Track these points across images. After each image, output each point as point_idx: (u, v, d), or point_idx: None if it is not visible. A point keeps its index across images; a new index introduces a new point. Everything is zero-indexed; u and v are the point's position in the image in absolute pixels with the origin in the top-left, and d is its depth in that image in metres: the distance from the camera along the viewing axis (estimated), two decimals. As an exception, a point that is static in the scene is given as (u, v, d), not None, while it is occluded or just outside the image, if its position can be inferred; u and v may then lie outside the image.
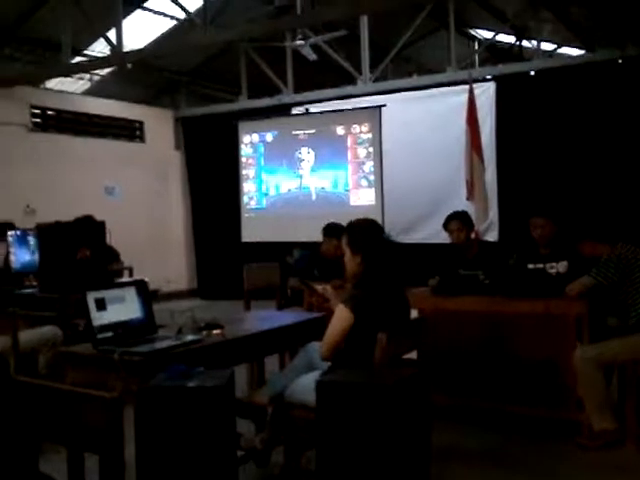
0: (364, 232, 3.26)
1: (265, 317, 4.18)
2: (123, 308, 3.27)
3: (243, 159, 10.98)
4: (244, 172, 10.97)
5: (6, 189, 9.18)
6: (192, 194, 12.03)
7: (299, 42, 9.04)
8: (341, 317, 3.09)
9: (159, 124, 11.76)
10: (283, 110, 10.79)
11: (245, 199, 10.99)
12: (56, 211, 8.81)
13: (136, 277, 6.77)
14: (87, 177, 10.29)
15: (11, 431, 1.83)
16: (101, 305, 3.16)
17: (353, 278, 3.30)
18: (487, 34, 11.51)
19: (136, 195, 11.02)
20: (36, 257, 5.68)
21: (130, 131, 11.44)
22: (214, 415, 2.66)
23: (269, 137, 10.78)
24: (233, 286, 9.89)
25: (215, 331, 3.40)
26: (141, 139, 11.54)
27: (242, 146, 10.97)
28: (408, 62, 11.93)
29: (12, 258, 6.07)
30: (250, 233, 10.92)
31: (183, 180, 12.11)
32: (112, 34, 8.40)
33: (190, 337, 3.27)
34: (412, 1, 8.31)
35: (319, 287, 3.62)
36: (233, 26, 8.69)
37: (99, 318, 3.14)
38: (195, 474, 2.66)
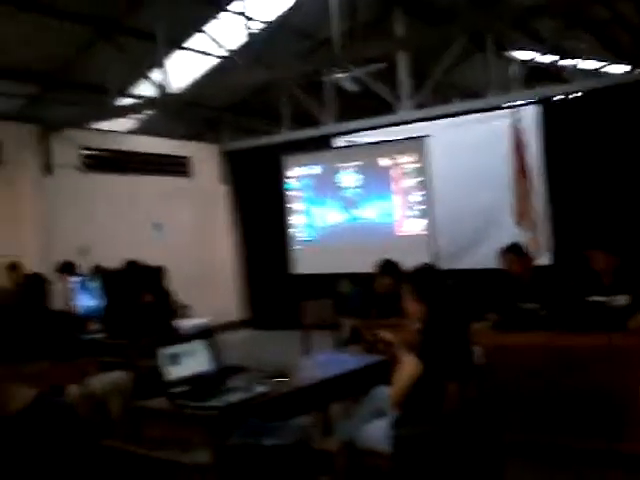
0: (429, 281, 3.29)
1: (328, 362, 4.22)
2: (195, 361, 3.36)
3: (290, 192, 11.11)
4: (291, 205, 11.09)
5: (59, 229, 9.45)
6: (241, 226, 12.18)
7: (339, 75, 9.17)
8: (410, 366, 3.11)
9: (205, 159, 11.99)
10: (325, 140, 10.89)
11: (294, 231, 11.11)
12: (108, 249, 9.08)
13: (193, 317, 6.90)
14: (136, 214, 10.52)
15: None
16: (175, 359, 3.26)
17: (418, 323, 3.33)
18: (524, 55, 11.47)
19: (184, 229, 11.22)
20: (99, 302, 5.87)
21: (177, 167, 11.68)
22: (293, 470, 2.71)
23: (314, 170, 10.89)
24: (285, 317, 10.01)
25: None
26: (188, 174, 11.78)
27: (288, 180, 11.11)
28: (449, 87, 11.96)
29: (74, 302, 6.27)
30: (300, 265, 11.01)
31: (231, 213, 12.29)
32: (156, 75, 8.66)
33: (259, 388, 3.34)
34: (446, 36, 8.34)
35: (385, 334, 3.64)
36: (274, 64, 8.84)
37: (173, 372, 3.23)
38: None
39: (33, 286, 4.80)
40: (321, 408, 4.04)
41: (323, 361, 4.26)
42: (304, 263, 10.93)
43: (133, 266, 5.90)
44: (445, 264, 7.90)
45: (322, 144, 10.92)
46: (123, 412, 4.52)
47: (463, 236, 9.38)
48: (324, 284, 9.08)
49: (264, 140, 11.54)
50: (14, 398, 1.83)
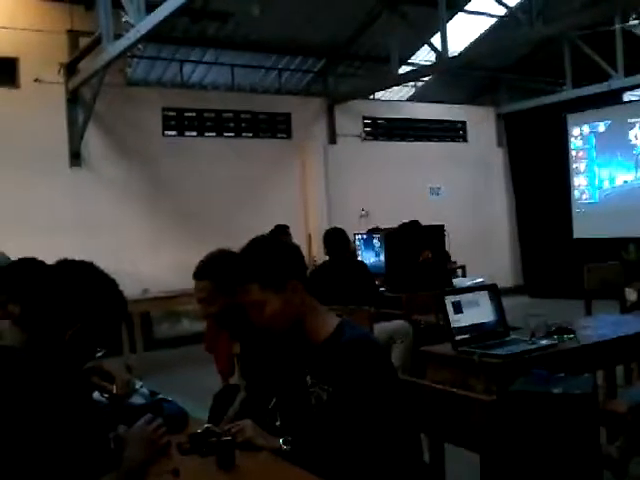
0: None
1: (616, 322, 4.01)
2: (478, 311, 3.41)
3: (573, 152, 10.57)
4: (574, 165, 10.55)
5: (344, 195, 10.08)
6: (516, 190, 11.91)
7: (632, 22, 8.42)
8: None
9: (481, 122, 11.88)
10: (613, 97, 10.12)
11: (576, 194, 10.56)
12: (387, 213, 9.46)
13: (469, 276, 6.96)
14: (413, 179, 10.80)
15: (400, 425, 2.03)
16: (458, 308, 3.35)
17: None
18: None
19: (460, 194, 11.26)
20: (381, 259, 6.20)
21: (453, 132, 11.76)
22: (578, 422, 2.65)
23: (601, 127, 10.21)
24: (564, 284, 9.60)
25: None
26: (464, 139, 11.78)
27: (571, 139, 10.55)
28: None
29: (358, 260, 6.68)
30: (582, 228, 10.46)
31: (506, 177, 12.06)
32: (435, 40, 8.73)
33: (545, 342, 3.29)
34: None
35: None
36: (558, 18, 8.40)
37: (457, 320, 3.32)
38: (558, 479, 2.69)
39: (336, 238, 5.21)
40: (606, 368, 3.86)
41: (610, 321, 4.05)
42: (585, 227, 10.36)
43: (414, 225, 6.10)
44: None
45: (610, 99, 10.15)
46: (407, 356, 4.76)
47: None
48: (607, 249, 8.50)
49: (545, 99, 11.05)
50: (323, 328, 2.05)
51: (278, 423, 2.15)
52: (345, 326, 2.03)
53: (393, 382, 2.02)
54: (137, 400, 2.26)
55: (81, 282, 1.78)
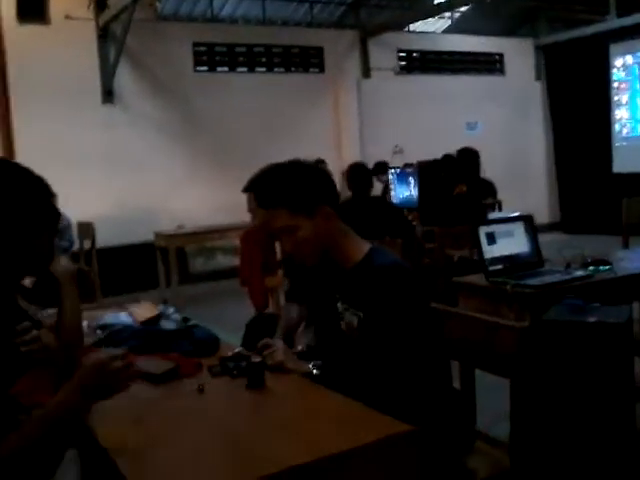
0: None
1: (654, 255, 3.93)
2: (512, 242, 3.37)
3: (615, 84, 10.20)
4: (615, 98, 10.20)
5: (378, 130, 9.93)
6: (554, 124, 11.60)
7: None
8: None
9: (519, 55, 11.51)
10: (660, 25, 9.69)
11: (617, 127, 10.24)
12: (422, 149, 9.30)
13: (504, 211, 6.85)
14: (449, 114, 10.56)
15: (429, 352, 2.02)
16: (492, 239, 3.30)
17: None
18: None
19: (497, 129, 11.00)
20: (414, 193, 6.13)
21: (490, 65, 11.43)
22: (612, 352, 2.62)
23: (645, 58, 9.81)
24: (601, 220, 9.42)
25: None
26: (501, 72, 11.45)
27: (613, 70, 10.17)
28: None
29: (392, 194, 6.63)
30: (622, 163, 10.18)
31: (544, 111, 11.74)
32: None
33: (580, 272, 3.25)
34: None
35: None
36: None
37: (490, 251, 3.28)
38: (591, 409, 2.67)
39: (360, 174, 5.12)
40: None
41: (649, 254, 3.97)
42: (625, 161, 10.08)
43: (448, 159, 6.00)
44: None
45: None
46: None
47: None
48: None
49: (587, 30, 10.62)
50: (354, 253, 2.03)
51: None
52: (377, 252, 2.01)
53: (424, 308, 2.01)
54: (168, 325, 2.29)
55: None
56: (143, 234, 7.71)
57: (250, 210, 2.87)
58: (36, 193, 1.55)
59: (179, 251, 7.92)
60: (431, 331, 1.98)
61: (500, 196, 8.04)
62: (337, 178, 8.70)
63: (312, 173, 2.03)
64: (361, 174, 5.08)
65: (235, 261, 6.65)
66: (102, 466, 1.56)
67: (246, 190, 2.88)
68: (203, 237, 7.90)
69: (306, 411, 1.73)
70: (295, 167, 2.03)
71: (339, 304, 2.05)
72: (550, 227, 11.36)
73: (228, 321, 4.76)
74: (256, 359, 1.91)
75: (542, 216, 11.42)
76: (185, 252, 8.54)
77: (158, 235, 7.53)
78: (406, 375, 1.87)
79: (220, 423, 1.68)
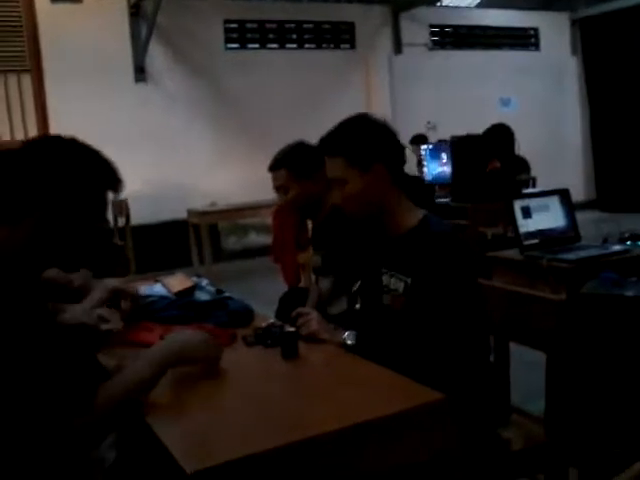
0: None
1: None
2: (547, 216, 3.32)
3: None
4: (654, 72, 9.94)
5: (409, 107, 9.82)
6: (590, 100, 11.36)
7: None
8: None
9: (554, 29, 11.26)
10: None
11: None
12: (454, 125, 9.16)
13: (539, 188, 6.75)
14: (483, 90, 10.38)
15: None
16: (527, 213, 3.26)
17: None
18: None
19: (531, 105, 10.79)
20: (447, 169, 6.06)
21: (524, 39, 11.20)
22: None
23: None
24: (638, 197, 9.23)
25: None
26: (536, 47, 11.23)
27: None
28: None
29: (424, 170, 6.57)
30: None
31: (580, 86, 11.49)
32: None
33: (617, 247, 3.19)
34: None
35: None
36: None
37: (525, 225, 3.24)
38: (628, 383, 2.64)
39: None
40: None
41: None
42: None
43: (480, 136, 5.90)
44: None
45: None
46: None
47: None
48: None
49: (626, 2, 10.32)
50: (406, 220, 1.97)
51: (358, 306, 2.15)
52: (432, 219, 1.98)
53: (474, 280, 1.98)
54: (202, 296, 2.30)
55: (42, 157, 1.44)
56: (176, 212, 7.76)
57: (275, 188, 2.82)
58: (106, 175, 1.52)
59: (212, 229, 7.97)
60: (477, 303, 1.94)
61: (534, 173, 7.92)
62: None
63: (377, 129, 1.97)
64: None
65: (267, 239, 6.68)
66: (137, 430, 1.59)
67: (272, 168, 2.81)
68: (235, 214, 7.92)
69: (339, 379, 1.73)
70: (362, 120, 2.00)
71: (384, 276, 2.01)
72: (586, 205, 11.15)
73: (261, 296, 4.77)
74: (290, 329, 1.91)
75: (578, 193, 11.18)
76: (218, 230, 8.59)
77: (191, 212, 7.58)
78: (448, 343, 1.84)
79: (253, 391, 1.69)
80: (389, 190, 1.95)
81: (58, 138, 1.50)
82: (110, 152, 1.57)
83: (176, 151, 8.31)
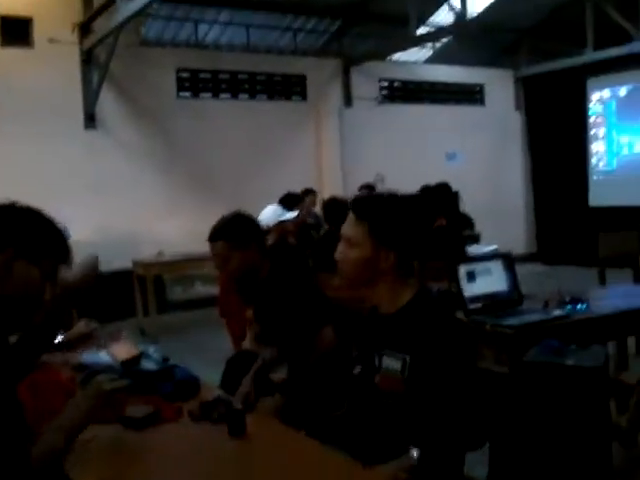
0: None
1: (629, 293, 3.99)
2: (491, 280, 3.40)
3: (591, 118, 10.38)
4: (592, 131, 10.38)
5: (359, 158, 9.98)
6: (532, 156, 11.78)
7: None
8: None
9: (499, 86, 11.69)
10: (636, 60, 9.88)
11: (593, 161, 10.41)
12: (403, 177, 9.37)
13: (482, 243, 6.90)
14: (430, 143, 10.64)
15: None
16: (471, 277, 3.33)
17: None
18: None
19: (476, 159, 11.11)
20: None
21: (470, 95, 11.58)
22: (589, 394, 2.65)
23: (622, 92, 10.00)
24: (578, 252, 9.53)
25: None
26: (481, 102, 11.61)
27: (590, 104, 10.37)
28: None
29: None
30: (598, 196, 10.33)
31: (523, 142, 11.91)
32: (455, 0, 8.56)
33: (558, 312, 3.28)
34: None
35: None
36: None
37: (469, 289, 3.31)
38: (568, 450, 2.70)
39: (334, 208, 5.17)
40: (618, 339, 3.85)
41: (623, 292, 4.03)
42: (602, 195, 10.23)
43: (427, 190, 6.02)
44: None
45: (633, 62, 9.91)
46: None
47: None
48: (623, 218, 8.41)
49: (565, 62, 10.80)
50: (400, 296, 1.97)
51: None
52: (425, 293, 2.03)
53: (472, 357, 1.98)
54: (148, 365, 2.28)
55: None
56: (123, 261, 7.64)
57: (214, 257, 2.84)
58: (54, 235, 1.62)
59: (157, 279, 7.83)
60: (475, 381, 1.89)
61: (478, 226, 8.08)
62: (318, 207, 8.77)
63: (406, 210, 2.10)
64: (336, 208, 5.14)
65: (214, 289, 6.62)
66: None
67: (210, 239, 2.82)
68: (181, 265, 7.78)
69: (289, 461, 1.72)
70: (397, 200, 2.08)
71: (376, 356, 1.96)
72: (528, 257, 11.46)
73: (207, 352, 4.75)
74: (237, 406, 1.91)
75: (520, 246, 11.52)
76: (163, 280, 8.45)
77: (136, 263, 7.46)
78: (450, 419, 1.79)
79: (201, 471, 1.68)
80: (391, 272, 1.97)
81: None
82: (56, 198, 1.58)
83: (125, 199, 8.22)
